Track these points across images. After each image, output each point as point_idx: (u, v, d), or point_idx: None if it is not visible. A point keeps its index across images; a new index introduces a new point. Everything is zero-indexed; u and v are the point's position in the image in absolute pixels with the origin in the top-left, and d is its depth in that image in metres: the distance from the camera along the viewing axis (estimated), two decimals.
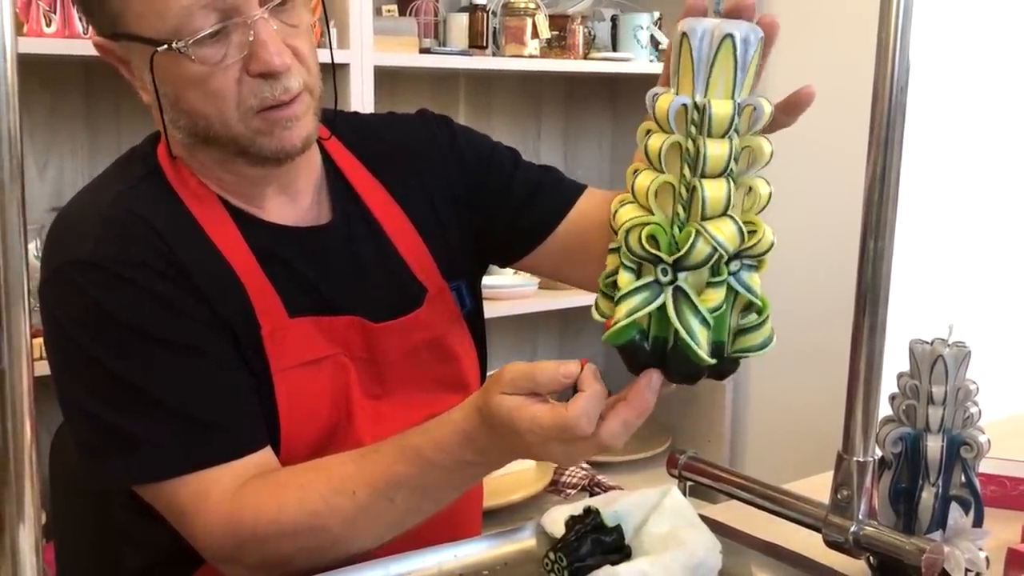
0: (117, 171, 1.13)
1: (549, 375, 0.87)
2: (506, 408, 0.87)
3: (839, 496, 0.93)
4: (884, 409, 0.97)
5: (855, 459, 0.91)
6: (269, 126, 1.03)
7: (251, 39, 0.99)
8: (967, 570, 0.93)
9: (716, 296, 0.81)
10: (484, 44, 2.45)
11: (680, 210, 0.80)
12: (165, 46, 0.97)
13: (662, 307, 0.80)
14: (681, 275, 0.80)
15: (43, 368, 1.50)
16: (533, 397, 0.87)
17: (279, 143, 1.04)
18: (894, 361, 0.95)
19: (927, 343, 0.99)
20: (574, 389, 0.86)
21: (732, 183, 0.80)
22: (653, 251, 0.80)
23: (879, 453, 0.96)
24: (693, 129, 0.79)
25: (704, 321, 0.80)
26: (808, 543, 0.97)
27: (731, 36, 0.78)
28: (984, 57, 2.48)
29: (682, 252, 0.79)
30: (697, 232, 0.79)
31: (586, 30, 2.61)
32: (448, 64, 2.40)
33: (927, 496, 0.98)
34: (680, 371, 0.83)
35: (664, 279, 0.80)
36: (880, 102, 0.86)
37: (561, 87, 2.94)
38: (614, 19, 2.72)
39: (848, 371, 0.91)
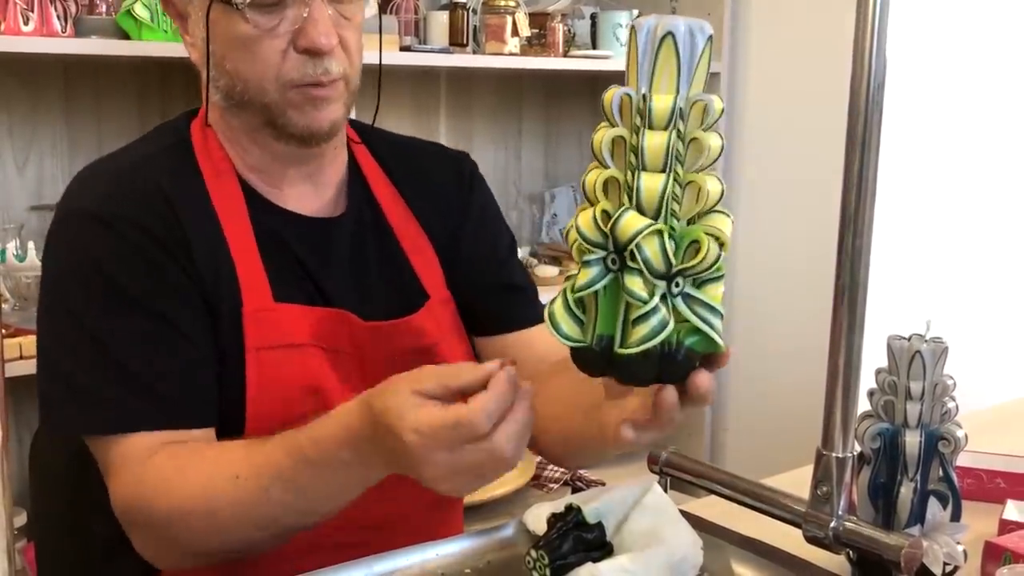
0: (146, 139, 1.17)
1: (468, 367, 0.85)
2: (395, 402, 0.83)
3: (819, 492, 0.93)
4: (863, 405, 0.97)
5: (834, 455, 0.92)
6: (302, 100, 1.06)
7: (305, 16, 1.04)
8: (945, 564, 0.93)
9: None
10: (464, 42, 2.45)
11: (626, 201, 0.78)
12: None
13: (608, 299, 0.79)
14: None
15: (20, 368, 1.49)
16: (432, 400, 0.83)
17: (307, 121, 1.07)
18: (872, 357, 0.96)
19: (905, 339, 0.99)
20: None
21: (673, 179, 0.77)
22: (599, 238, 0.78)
23: (858, 449, 0.97)
24: (638, 121, 0.79)
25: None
26: (788, 538, 0.97)
27: (671, 33, 0.77)
28: (961, 54, 2.49)
29: (611, 223, 0.77)
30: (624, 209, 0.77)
31: (566, 28, 2.61)
32: (428, 62, 2.41)
33: (905, 491, 0.98)
34: (625, 372, 0.79)
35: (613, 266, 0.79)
36: (857, 99, 0.86)
37: (541, 85, 2.93)
38: (594, 17, 2.72)
39: (827, 367, 0.91)
